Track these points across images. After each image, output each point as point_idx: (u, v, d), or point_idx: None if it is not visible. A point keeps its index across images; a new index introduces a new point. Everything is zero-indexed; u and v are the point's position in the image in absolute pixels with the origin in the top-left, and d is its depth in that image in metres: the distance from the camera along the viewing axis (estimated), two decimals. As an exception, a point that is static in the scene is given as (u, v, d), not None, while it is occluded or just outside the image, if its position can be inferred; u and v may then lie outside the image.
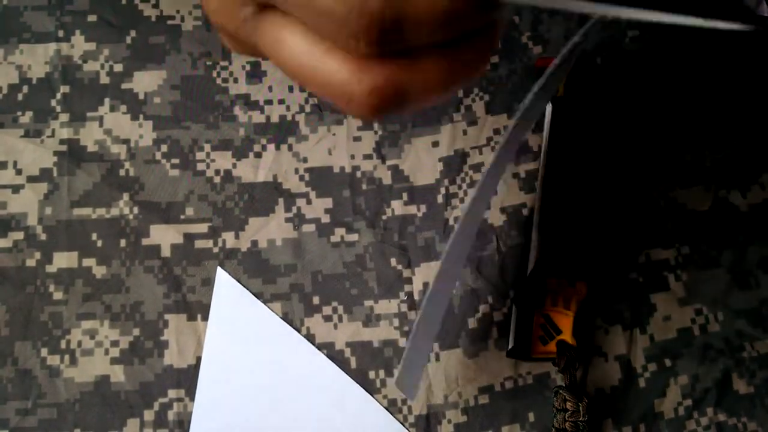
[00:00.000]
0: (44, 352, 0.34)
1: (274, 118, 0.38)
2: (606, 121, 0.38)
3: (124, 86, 0.38)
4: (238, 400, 0.34)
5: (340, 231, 0.37)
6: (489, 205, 0.28)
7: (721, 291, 0.37)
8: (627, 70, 0.40)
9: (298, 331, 0.35)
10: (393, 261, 0.36)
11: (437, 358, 0.35)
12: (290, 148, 0.38)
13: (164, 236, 0.36)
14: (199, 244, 0.36)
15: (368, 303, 0.36)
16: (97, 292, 0.35)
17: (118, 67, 0.38)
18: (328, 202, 0.37)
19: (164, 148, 0.37)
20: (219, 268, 0.35)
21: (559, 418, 0.33)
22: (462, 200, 0.37)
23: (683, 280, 0.37)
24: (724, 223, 0.38)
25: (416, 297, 0.36)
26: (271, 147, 0.38)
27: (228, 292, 0.35)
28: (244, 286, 0.35)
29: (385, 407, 0.34)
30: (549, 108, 0.38)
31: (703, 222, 0.38)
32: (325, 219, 0.37)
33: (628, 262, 0.37)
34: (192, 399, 0.34)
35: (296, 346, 0.35)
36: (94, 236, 0.36)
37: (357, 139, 0.38)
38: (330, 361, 0.34)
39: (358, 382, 0.35)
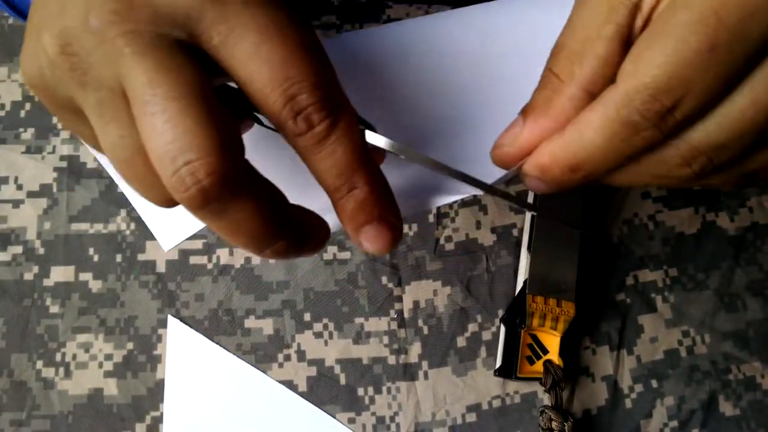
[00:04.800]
0: (39, 364, 0.35)
1: (270, 137, 0.39)
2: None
3: (124, 104, 0.39)
4: None
5: (332, 249, 0.37)
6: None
7: (709, 313, 0.37)
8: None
9: (289, 347, 0.36)
10: (384, 279, 0.37)
11: (426, 376, 0.36)
12: (285, 166, 0.39)
13: (159, 252, 0.37)
14: (194, 260, 0.37)
15: (359, 320, 0.36)
16: (92, 306, 0.36)
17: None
18: (321, 221, 0.38)
19: (162, 165, 0.38)
20: (170, 317, 0.36)
21: (545, 438, 0.33)
22: (453, 220, 0.38)
23: (671, 302, 0.37)
24: (712, 246, 0.38)
25: (406, 315, 0.36)
26: (267, 165, 0.38)
27: (181, 337, 0.35)
28: (237, 303, 0.36)
29: (373, 424, 0.35)
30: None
31: (691, 245, 0.38)
32: (318, 237, 0.37)
33: (616, 283, 0.37)
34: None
35: (252, 377, 0.35)
36: (90, 251, 0.36)
37: (351, 158, 0.39)
38: (287, 388, 0.35)
39: (346, 399, 0.35)
